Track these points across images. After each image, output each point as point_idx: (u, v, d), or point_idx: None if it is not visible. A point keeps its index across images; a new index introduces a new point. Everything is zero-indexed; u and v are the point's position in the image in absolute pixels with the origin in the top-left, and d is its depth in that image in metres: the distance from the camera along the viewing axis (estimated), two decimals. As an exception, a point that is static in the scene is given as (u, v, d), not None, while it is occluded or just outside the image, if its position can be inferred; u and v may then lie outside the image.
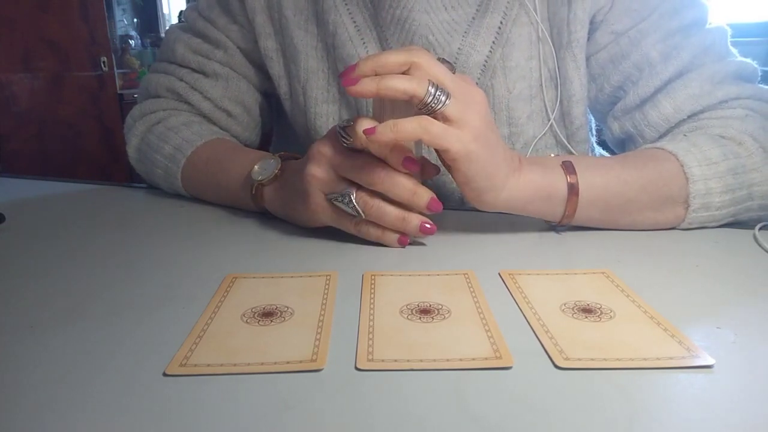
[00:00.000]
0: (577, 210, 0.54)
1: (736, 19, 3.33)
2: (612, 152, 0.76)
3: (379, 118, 0.50)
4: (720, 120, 0.60)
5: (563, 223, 0.55)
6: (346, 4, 0.68)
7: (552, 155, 0.60)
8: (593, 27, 0.66)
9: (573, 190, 0.53)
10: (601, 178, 0.54)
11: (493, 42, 0.66)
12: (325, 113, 0.72)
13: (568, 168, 0.54)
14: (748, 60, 0.64)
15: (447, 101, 0.47)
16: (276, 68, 0.74)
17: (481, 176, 0.50)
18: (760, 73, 0.64)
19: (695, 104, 0.61)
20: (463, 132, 0.48)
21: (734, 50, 0.64)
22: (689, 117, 0.62)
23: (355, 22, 0.68)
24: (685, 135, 0.60)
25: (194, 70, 0.75)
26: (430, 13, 0.65)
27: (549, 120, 0.68)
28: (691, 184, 0.55)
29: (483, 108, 0.50)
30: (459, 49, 0.66)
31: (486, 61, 0.66)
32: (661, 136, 0.64)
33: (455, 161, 0.49)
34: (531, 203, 0.53)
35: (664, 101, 0.63)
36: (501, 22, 0.66)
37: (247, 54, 0.75)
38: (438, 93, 0.47)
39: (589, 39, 0.66)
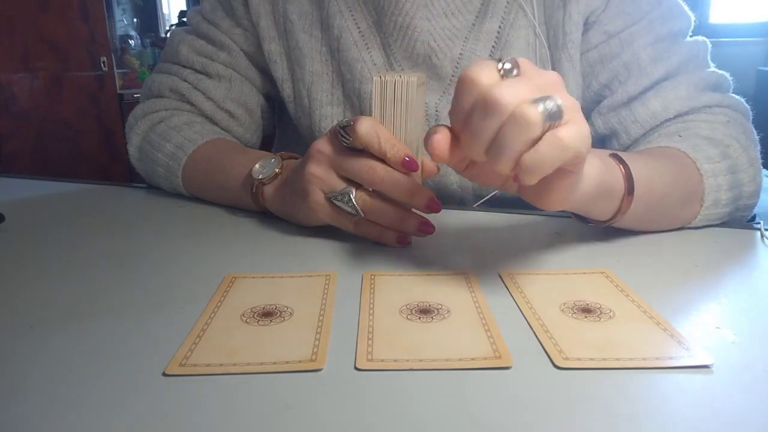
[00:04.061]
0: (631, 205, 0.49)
1: (736, 19, 3.34)
2: None
3: (380, 119, 0.50)
4: (706, 123, 0.62)
5: (613, 220, 0.51)
6: (350, 10, 0.69)
7: None
8: (586, 27, 0.67)
9: (629, 183, 0.49)
10: (645, 171, 0.51)
11: (493, 46, 0.67)
12: (330, 115, 0.73)
13: (619, 160, 0.50)
14: (725, 73, 0.66)
15: (560, 105, 0.36)
16: (280, 71, 0.74)
17: (581, 168, 0.42)
18: (732, 86, 0.67)
19: (682, 105, 0.63)
20: (579, 125, 0.38)
21: (712, 64, 0.67)
22: (675, 117, 0.64)
23: (359, 27, 0.70)
24: (679, 135, 0.61)
25: (197, 71, 0.75)
26: (431, 20, 0.66)
27: None
28: (705, 179, 0.56)
29: (562, 85, 0.40)
30: (460, 54, 0.67)
31: None
32: (646, 134, 0.65)
33: (580, 161, 0.39)
34: (599, 194, 0.47)
35: (653, 99, 0.64)
36: (500, 27, 0.67)
37: (250, 57, 0.76)
38: (548, 105, 0.36)
39: (581, 38, 0.67)
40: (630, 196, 0.49)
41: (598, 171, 0.46)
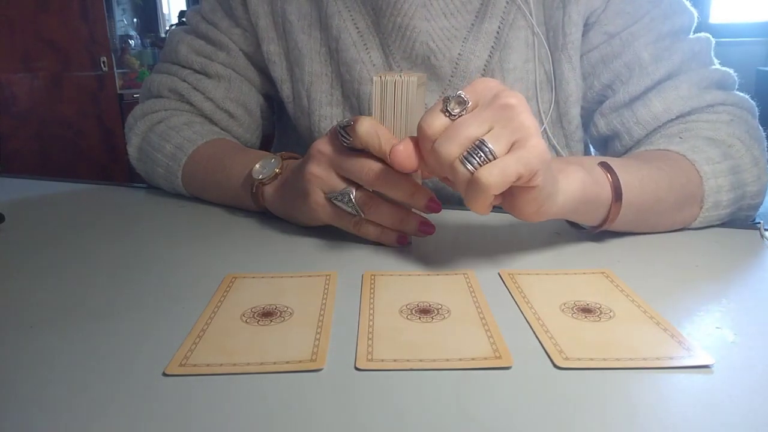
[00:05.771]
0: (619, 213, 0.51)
1: (736, 19, 3.34)
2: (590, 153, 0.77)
3: (380, 119, 0.50)
4: (708, 123, 0.62)
5: (603, 227, 0.52)
6: (349, 11, 0.69)
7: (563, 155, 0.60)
8: (586, 28, 0.67)
9: (617, 192, 0.50)
10: (636, 178, 0.52)
11: (492, 47, 0.67)
12: (329, 116, 0.72)
13: (608, 169, 0.51)
14: (729, 70, 0.66)
15: (490, 151, 0.40)
16: (278, 72, 0.74)
17: (548, 182, 0.44)
18: (738, 82, 0.66)
19: (684, 105, 0.63)
20: (529, 148, 0.41)
21: (716, 60, 0.66)
22: (677, 117, 0.63)
23: (358, 28, 0.69)
24: (680, 137, 0.61)
25: (197, 71, 0.75)
26: (430, 20, 0.66)
27: (544, 122, 0.69)
28: (704, 181, 0.56)
29: (524, 105, 0.42)
30: (459, 54, 0.67)
31: (486, 66, 0.67)
32: (648, 135, 0.65)
33: (535, 181, 0.42)
34: (582, 205, 0.48)
35: (654, 100, 0.64)
36: (499, 27, 0.67)
37: (249, 57, 0.76)
38: (477, 159, 0.41)
39: (581, 39, 0.67)
40: (618, 204, 0.50)
41: (580, 183, 0.47)
